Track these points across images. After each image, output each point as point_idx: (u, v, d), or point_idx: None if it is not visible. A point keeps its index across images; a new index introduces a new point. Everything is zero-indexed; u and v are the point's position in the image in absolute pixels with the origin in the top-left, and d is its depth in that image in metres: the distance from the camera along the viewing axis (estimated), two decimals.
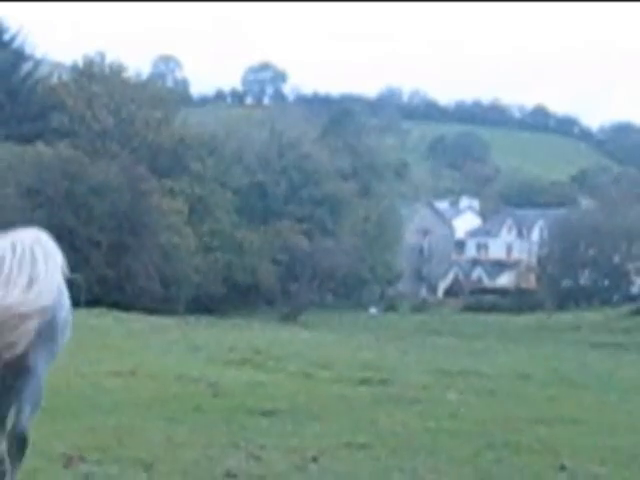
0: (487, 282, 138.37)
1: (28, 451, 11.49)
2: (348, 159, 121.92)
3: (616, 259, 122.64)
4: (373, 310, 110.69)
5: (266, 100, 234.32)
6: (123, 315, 55.81)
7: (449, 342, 52.74)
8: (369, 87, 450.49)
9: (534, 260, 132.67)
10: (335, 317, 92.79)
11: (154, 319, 55.78)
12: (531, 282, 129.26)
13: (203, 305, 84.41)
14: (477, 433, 15.35)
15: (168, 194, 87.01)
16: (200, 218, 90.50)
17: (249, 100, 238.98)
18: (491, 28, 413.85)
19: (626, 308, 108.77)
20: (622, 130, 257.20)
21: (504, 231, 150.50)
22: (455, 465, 12.47)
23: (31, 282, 10.95)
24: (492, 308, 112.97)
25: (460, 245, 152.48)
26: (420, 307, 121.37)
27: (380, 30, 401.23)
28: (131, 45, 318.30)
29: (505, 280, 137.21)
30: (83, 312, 55.97)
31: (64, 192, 75.82)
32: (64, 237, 72.37)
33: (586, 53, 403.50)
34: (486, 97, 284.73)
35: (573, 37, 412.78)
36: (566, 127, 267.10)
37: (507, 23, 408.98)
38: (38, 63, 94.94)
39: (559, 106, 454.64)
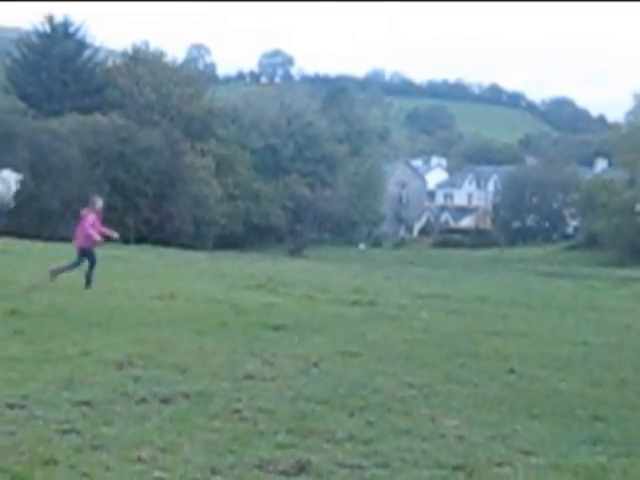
0: (453, 224, 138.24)
1: (90, 358, 11.50)
2: (342, 126, 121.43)
3: (555, 206, 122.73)
4: (362, 246, 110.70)
5: (277, 79, 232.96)
6: (164, 250, 55.82)
7: (422, 271, 52.71)
8: (359, 69, 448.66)
9: (490, 206, 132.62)
10: (331, 251, 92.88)
11: (188, 253, 55.77)
12: (487, 224, 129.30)
13: (227, 242, 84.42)
14: (445, 343, 15.32)
15: (199, 154, 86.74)
16: (225, 173, 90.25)
17: (264, 79, 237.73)
18: (458, 23, 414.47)
19: (562, 245, 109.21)
20: (559, 104, 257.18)
21: (466, 183, 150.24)
22: (427, 369, 12.45)
23: None
24: (457, 244, 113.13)
25: (431, 194, 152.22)
26: (399, 244, 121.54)
27: (369, 24, 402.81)
28: (170, 35, 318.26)
29: (467, 222, 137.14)
30: (133, 248, 56.06)
31: (117, 153, 75.70)
32: (117, 188, 72.96)
33: (532, 42, 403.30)
34: (452, 77, 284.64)
35: (522, 29, 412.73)
36: (515, 101, 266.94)
37: (470, 18, 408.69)
38: (96, 50, 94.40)
39: (510, 84, 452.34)
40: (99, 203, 22.45)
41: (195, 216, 79.58)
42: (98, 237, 21.70)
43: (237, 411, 8.94)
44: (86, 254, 21.77)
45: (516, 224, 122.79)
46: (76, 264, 21.85)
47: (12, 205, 21.76)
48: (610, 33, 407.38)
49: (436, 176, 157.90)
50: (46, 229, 62.94)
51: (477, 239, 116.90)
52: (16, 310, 15.51)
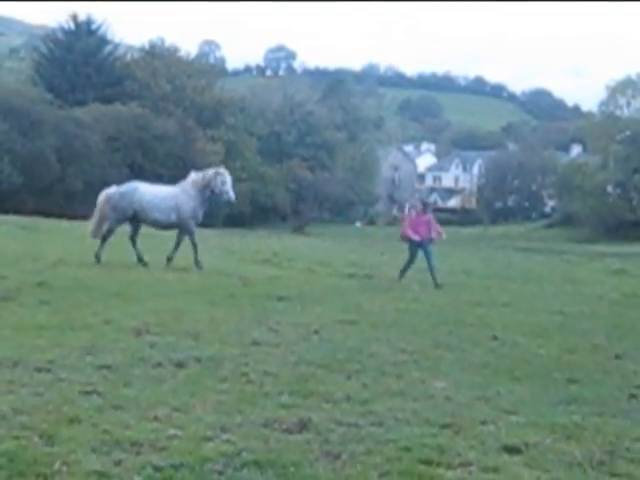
0: (441, 204, 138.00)
1: (110, 326, 11.50)
2: (340, 115, 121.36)
3: (534, 187, 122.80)
4: (358, 224, 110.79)
5: (281, 72, 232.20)
6: None
7: None
8: (356, 63, 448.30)
9: (475, 188, 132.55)
10: (331, 229, 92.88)
11: (199, 231, 55.39)
12: (472, 204, 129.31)
13: (235, 221, 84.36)
14: (433, 313, 15.31)
15: (210, 140, 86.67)
16: (233, 157, 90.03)
17: (269, 72, 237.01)
18: (446, 21, 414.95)
19: (541, 223, 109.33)
20: (538, 94, 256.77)
21: (453, 167, 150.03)
22: (418, 336, 12.44)
23: None
24: (444, 223, 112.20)
25: (421, 177, 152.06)
26: (392, 222, 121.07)
27: (365, 22, 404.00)
28: (183, 32, 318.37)
29: (454, 202, 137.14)
30: None
31: (135, 139, 75.65)
32: (135, 171, 72.81)
33: (514, 39, 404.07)
34: (440, 70, 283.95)
35: (505, 27, 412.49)
36: (498, 92, 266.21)
37: (457, 17, 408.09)
38: (117, 46, 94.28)
39: (493, 76, 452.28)
40: (417, 208, 23.26)
41: None
42: (416, 237, 21.96)
43: (244, 374, 8.95)
44: (411, 249, 22.40)
45: (498, 204, 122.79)
46: (432, 261, 22.14)
47: (233, 198, 22.42)
48: (586, 32, 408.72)
49: (426, 160, 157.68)
50: (70, 209, 63.00)
51: (463, 218, 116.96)
52: (43, 282, 15.50)
